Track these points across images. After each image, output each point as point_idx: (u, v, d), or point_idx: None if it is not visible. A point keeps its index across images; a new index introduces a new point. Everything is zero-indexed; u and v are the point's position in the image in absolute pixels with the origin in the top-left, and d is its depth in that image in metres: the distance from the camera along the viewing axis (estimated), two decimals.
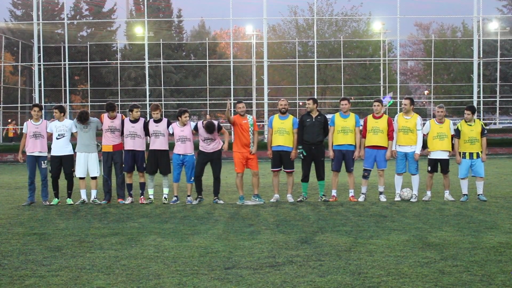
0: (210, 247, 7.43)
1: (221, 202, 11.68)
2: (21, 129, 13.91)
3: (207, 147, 11.65)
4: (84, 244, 7.73)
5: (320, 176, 11.82)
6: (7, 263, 6.78)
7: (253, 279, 5.98)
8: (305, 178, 11.88)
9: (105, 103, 12.87)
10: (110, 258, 6.94)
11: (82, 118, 11.63)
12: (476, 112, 12.06)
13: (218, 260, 6.78)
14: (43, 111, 12.28)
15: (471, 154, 11.58)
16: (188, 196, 11.81)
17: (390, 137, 11.63)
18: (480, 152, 11.59)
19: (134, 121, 11.76)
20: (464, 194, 11.66)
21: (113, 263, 6.71)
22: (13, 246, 7.67)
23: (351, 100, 12.55)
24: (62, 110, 12.01)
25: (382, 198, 11.70)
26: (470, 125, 11.60)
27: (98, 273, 6.26)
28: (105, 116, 11.84)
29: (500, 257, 6.77)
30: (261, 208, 10.91)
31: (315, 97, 11.04)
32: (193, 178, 11.74)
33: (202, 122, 11.74)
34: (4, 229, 8.96)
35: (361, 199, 11.76)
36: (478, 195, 11.59)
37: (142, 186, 11.94)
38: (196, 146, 11.87)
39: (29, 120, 11.88)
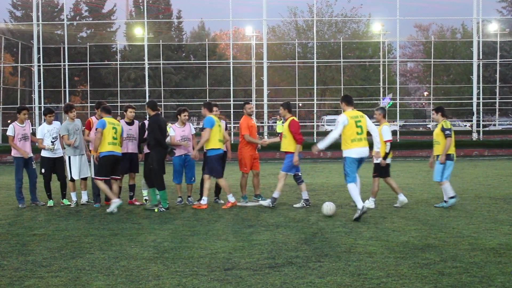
0: (210, 248, 7.44)
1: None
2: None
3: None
4: (83, 245, 7.73)
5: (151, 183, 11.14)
6: (7, 264, 6.79)
7: (252, 280, 5.99)
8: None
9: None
10: (109, 259, 6.94)
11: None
12: (440, 112, 11.03)
13: (217, 261, 6.78)
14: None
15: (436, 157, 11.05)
16: (189, 196, 11.80)
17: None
18: (440, 156, 10.82)
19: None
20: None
21: (112, 264, 6.71)
22: (13, 247, 7.67)
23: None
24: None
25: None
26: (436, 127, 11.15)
27: (97, 274, 6.27)
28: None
29: (499, 258, 6.78)
30: (260, 209, 10.91)
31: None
32: (193, 178, 11.72)
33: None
34: (3, 230, 8.96)
35: (297, 205, 11.15)
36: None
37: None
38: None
39: (16, 122, 11.76)
